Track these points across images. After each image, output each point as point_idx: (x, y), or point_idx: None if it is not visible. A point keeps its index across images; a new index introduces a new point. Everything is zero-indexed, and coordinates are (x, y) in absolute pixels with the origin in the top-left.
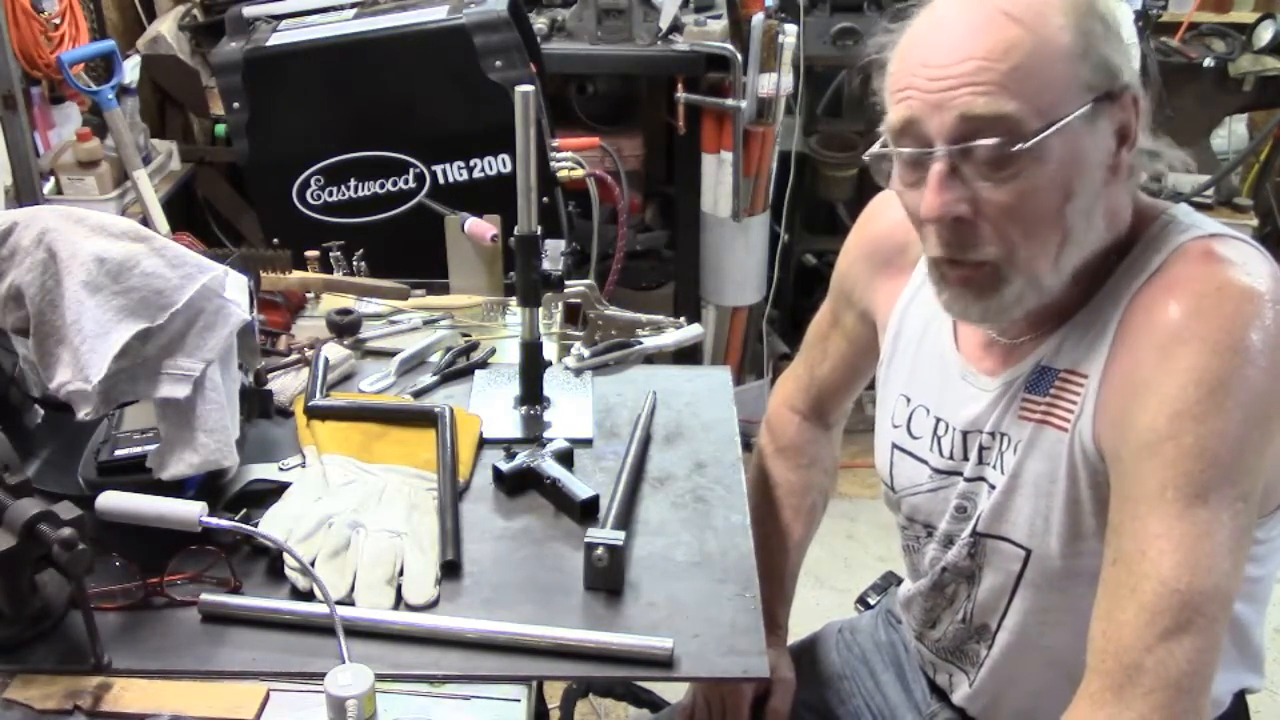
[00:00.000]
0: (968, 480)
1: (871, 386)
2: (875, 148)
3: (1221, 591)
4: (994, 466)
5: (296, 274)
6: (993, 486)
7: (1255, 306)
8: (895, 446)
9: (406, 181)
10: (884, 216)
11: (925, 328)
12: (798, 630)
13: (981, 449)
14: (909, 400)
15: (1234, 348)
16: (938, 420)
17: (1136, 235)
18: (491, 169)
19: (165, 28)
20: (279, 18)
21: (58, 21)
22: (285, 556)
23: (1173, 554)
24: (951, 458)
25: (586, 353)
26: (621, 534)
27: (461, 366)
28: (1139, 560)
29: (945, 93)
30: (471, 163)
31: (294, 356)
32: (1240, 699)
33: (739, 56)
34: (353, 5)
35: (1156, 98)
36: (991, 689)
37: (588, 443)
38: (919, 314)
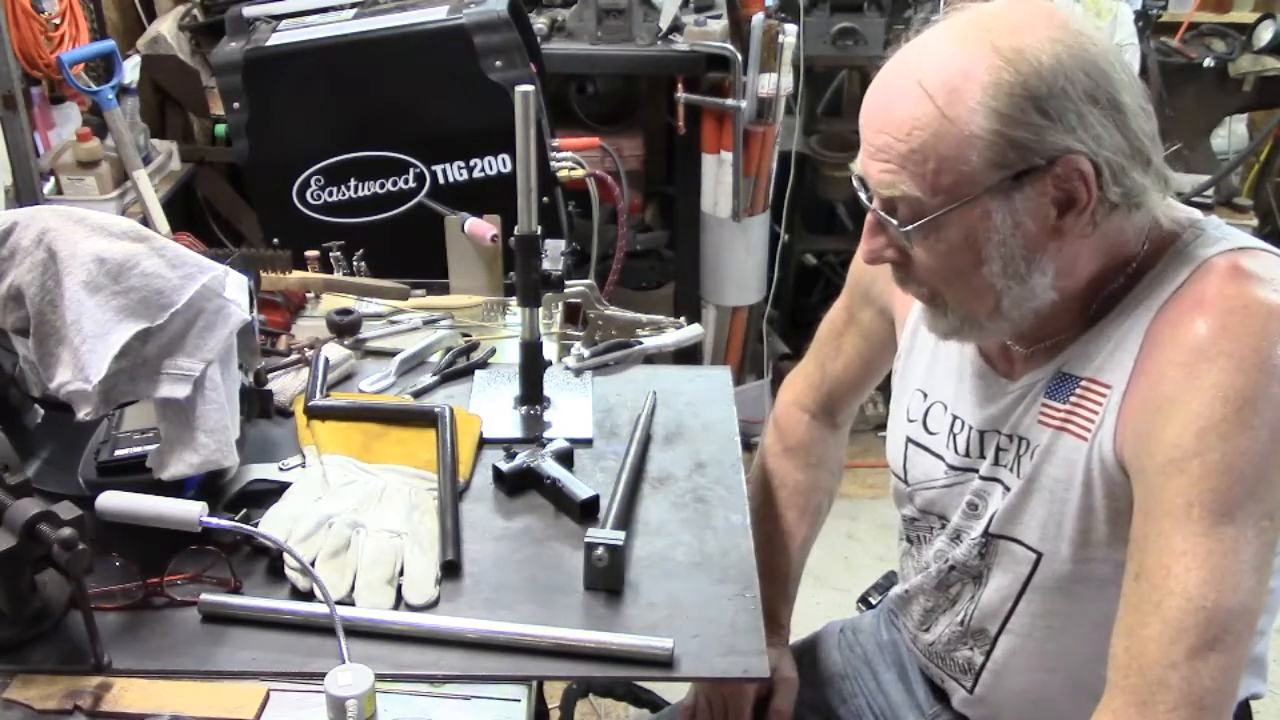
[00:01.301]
0: (983, 478)
1: (877, 388)
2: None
3: (1248, 609)
4: (1010, 469)
5: (296, 274)
6: (1007, 488)
7: None
8: (910, 440)
9: (406, 181)
10: None
11: None
12: (798, 630)
13: (999, 450)
14: (926, 395)
15: (1260, 365)
16: (954, 418)
17: (1161, 248)
18: (491, 169)
19: (165, 28)
20: (279, 18)
21: (58, 21)
22: (285, 556)
23: (1199, 571)
24: (968, 455)
25: (586, 353)
26: (621, 534)
27: (461, 366)
28: (1164, 576)
29: (868, 160)
30: (471, 163)
31: (294, 356)
32: (1244, 706)
33: (739, 56)
34: (353, 5)
35: (1156, 98)
36: (993, 696)
37: (588, 443)
38: None
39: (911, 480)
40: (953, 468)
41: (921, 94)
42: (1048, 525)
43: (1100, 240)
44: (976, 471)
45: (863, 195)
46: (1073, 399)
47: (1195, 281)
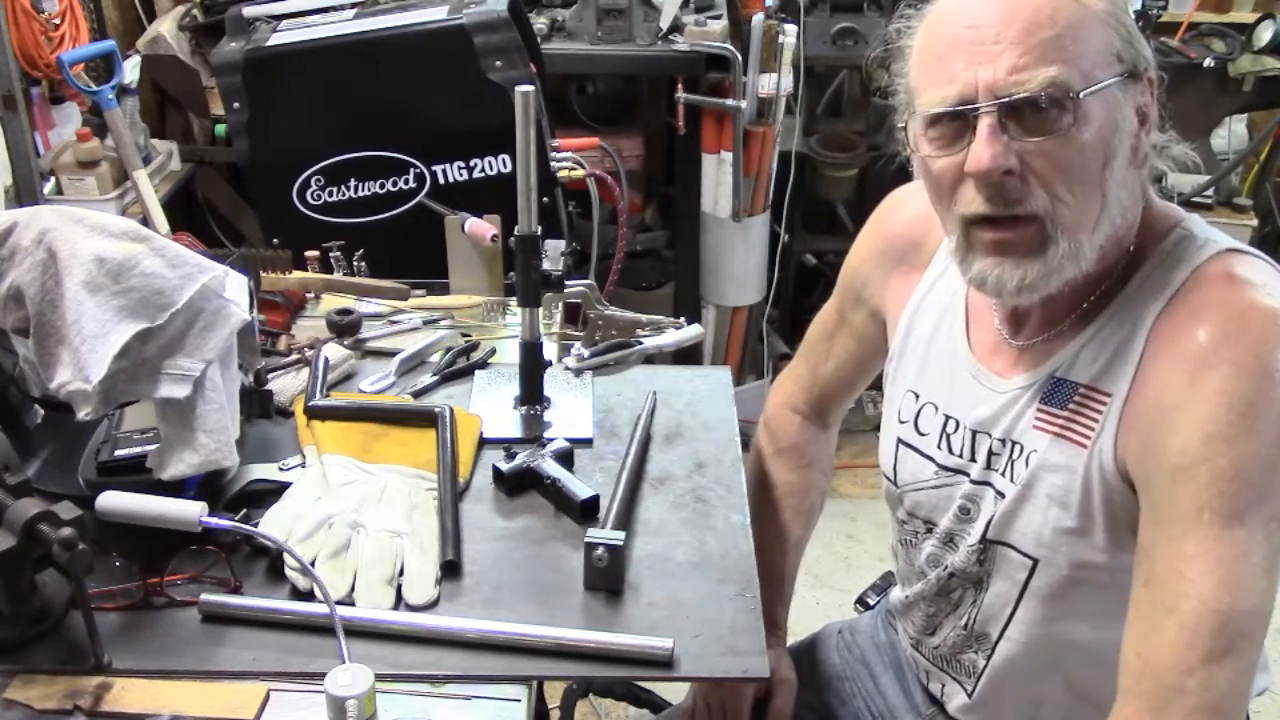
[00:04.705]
0: (974, 482)
1: (871, 387)
2: (920, 111)
3: (1261, 611)
4: (1003, 474)
5: (296, 274)
6: (1000, 494)
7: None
8: (901, 441)
9: (406, 181)
10: (900, 213)
11: (937, 326)
12: (798, 630)
13: (991, 453)
14: (918, 396)
15: (1262, 370)
16: (947, 418)
17: (1147, 243)
18: (491, 169)
19: (165, 28)
20: (279, 18)
21: (58, 21)
22: (285, 556)
23: (1212, 575)
24: (960, 456)
25: (586, 353)
26: (621, 534)
27: (461, 366)
28: (1177, 581)
29: (993, 47)
30: (471, 163)
31: (294, 356)
32: None
33: (739, 56)
34: (353, 5)
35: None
36: (993, 699)
37: (588, 443)
38: (931, 311)
39: (900, 481)
40: (943, 468)
41: None
42: (1043, 532)
43: (1131, 182)
44: (967, 475)
45: (952, 110)
46: (1071, 406)
47: (1191, 290)
